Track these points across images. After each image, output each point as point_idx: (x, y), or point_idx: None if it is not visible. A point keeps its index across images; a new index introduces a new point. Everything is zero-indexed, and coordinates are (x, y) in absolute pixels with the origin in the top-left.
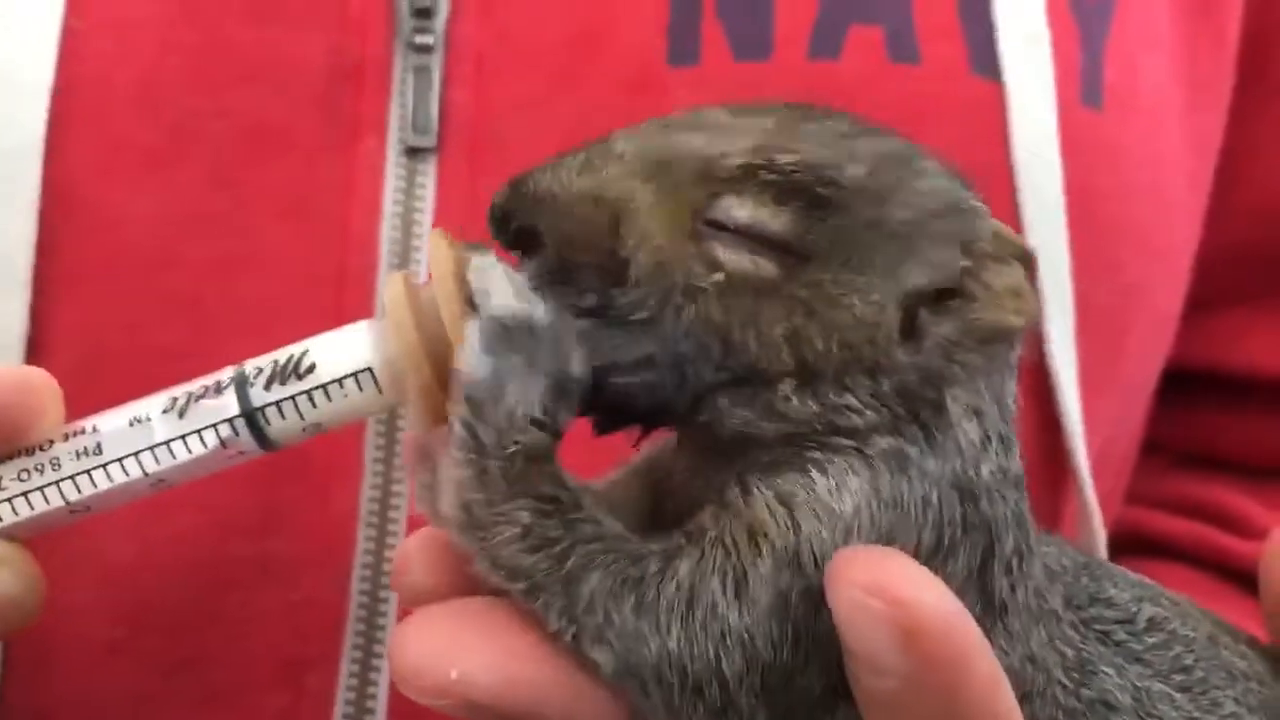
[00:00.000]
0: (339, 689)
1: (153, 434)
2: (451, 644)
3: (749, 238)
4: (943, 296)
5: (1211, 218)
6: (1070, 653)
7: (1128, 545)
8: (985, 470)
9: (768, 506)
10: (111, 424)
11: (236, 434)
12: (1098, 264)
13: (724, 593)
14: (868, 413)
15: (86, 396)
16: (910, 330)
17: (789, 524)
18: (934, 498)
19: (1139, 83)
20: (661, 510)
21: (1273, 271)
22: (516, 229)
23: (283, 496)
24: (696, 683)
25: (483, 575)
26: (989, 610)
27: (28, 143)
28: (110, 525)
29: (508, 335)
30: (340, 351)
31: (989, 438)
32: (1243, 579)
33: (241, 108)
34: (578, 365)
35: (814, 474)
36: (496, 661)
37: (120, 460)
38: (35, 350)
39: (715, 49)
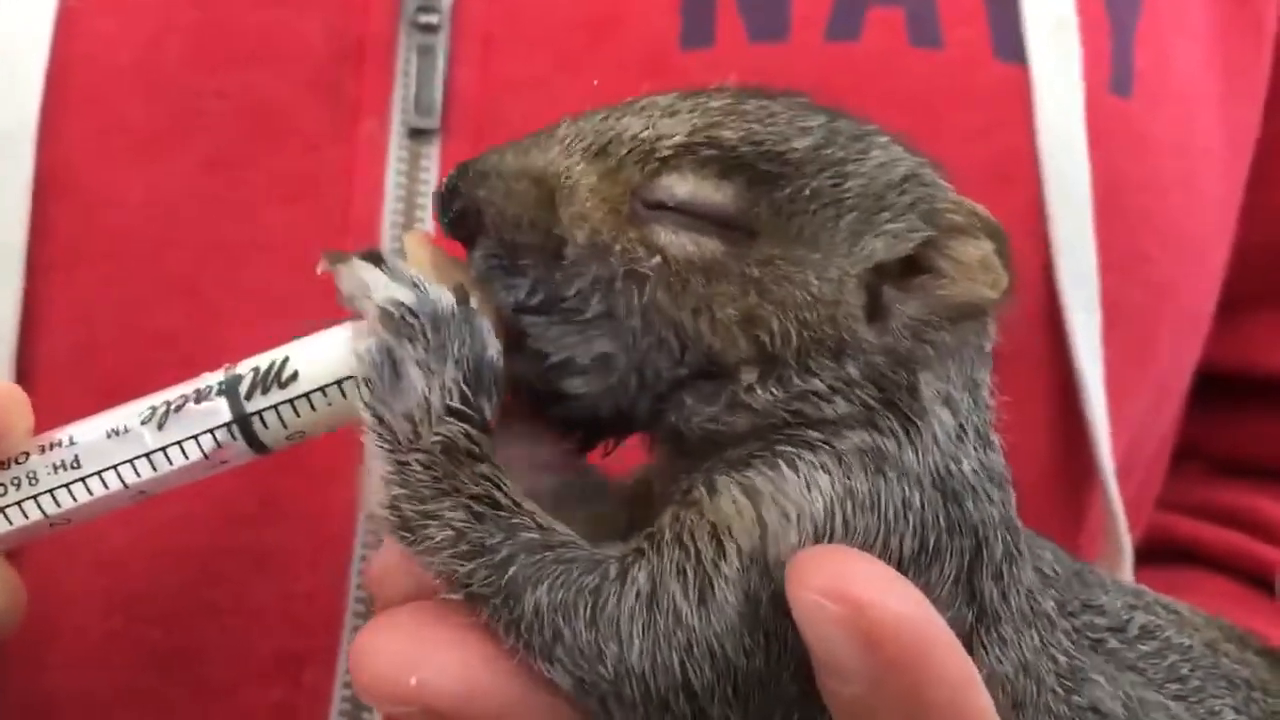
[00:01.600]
0: (336, 683)
1: (132, 445)
2: (412, 650)
3: (691, 215)
4: (908, 271)
5: (1246, 214)
6: (1063, 660)
7: (1161, 552)
8: (966, 466)
9: (734, 502)
10: (89, 436)
11: (233, 438)
12: (1127, 258)
13: (687, 597)
14: (837, 399)
15: (81, 379)
16: (875, 309)
17: (755, 521)
18: (915, 499)
19: (1170, 70)
20: (645, 519)
21: None
22: (459, 209)
23: (281, 488)
24: (662, 698)
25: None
26: (981, 618)
27: (22, 123)
28: (105, 516)
29: (402, 325)
30: (321, 359)
31: (964, 429)
32: (1270, 589)
33: (241, 89)
34: (493, 351)
35: (783, 469)
36: (457, 669)
37: (99, 473)
38: (29, 333)
39: (730, 30)
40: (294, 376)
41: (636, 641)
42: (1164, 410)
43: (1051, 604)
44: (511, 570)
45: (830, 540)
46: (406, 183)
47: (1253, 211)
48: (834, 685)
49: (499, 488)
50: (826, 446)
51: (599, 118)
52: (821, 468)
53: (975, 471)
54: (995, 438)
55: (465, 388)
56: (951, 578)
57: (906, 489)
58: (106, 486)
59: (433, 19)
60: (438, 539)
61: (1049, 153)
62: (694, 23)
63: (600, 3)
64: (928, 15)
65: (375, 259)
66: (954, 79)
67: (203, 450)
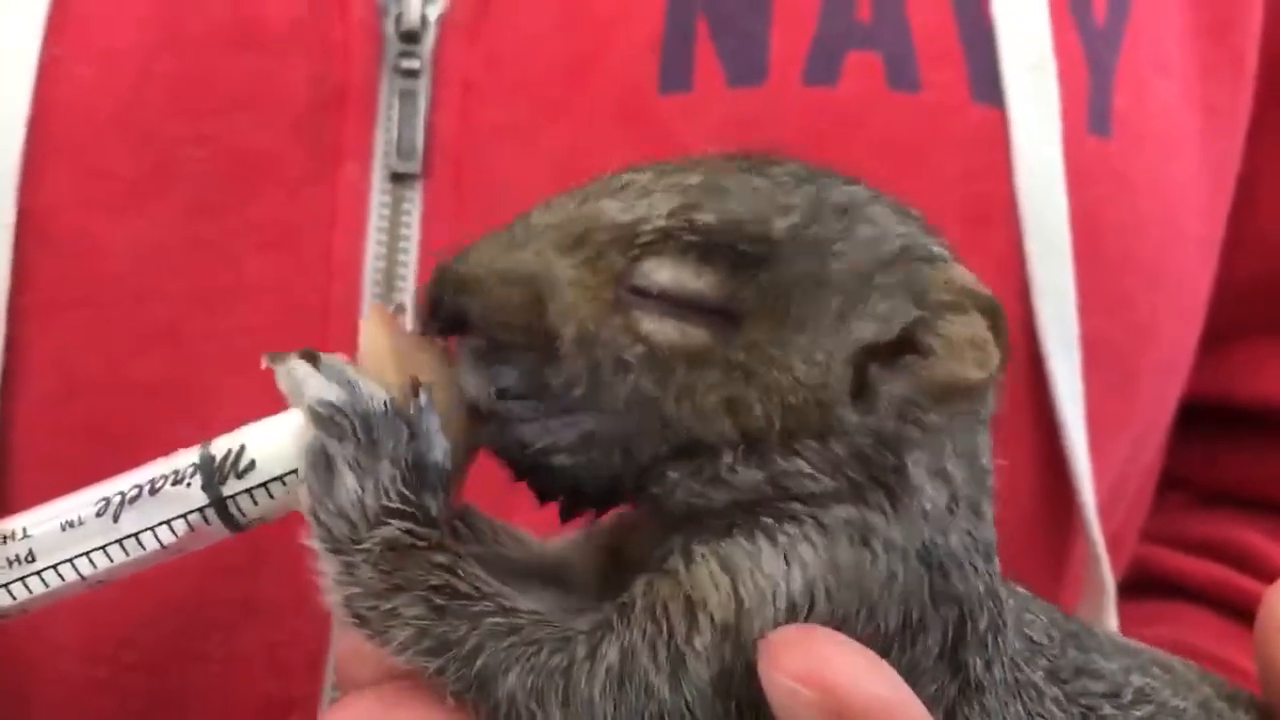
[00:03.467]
0: None
1: (97, 535)
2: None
3: (674, 303)
4: (897, 351)
5: (1228, 247)
6: None
7: (1144, 585)
8: (954, 539)
9: (710, 575)
10: (42, 528)
11: (206, 521)
12: (1106, 299)
13: (657, 670)
14: (822, 478)
15: (62, 428)
16: (861, 389)
17: (731, 596)
18: (900, 572)
19: (1150, 110)
20: (620, 580)
21: None
22: (445, 316)
23: (266, 535)
24: None
25: None
26: (964, 690)
27: (3, 171)
28: None
29: (330, 425)
30: (278, 445)
31: (956, 502)
32: None
33: (223, 136)
34: (438, 450)
35: (762, 542)
36: None
37: (55, 566)
38: (10, 381)
39: (708, 74)
40: (251, 466)
41: (610, 718)
42: (1147, 447)
43: (1040, 673)
44: (480, 661)
45: (810, 617)
46: (389, 226)
47: (1235, 243)
48: None
49: (456, 574)
50: (810, 519)
51: (575, 202)
52: (805, 539)
53: (963, 543)
54: (987, 508)
55: (403, 488)
56: (936, 652)
57: (892, 563)
58: (63, 578)
59: (414, 64)
60: (400, 638)
61: (1028, 194)
62: (672, 67)
63: (578, 47)
64: (905, 58)
65: (311, 358)
66: (932, 122)
67: (157, 541)
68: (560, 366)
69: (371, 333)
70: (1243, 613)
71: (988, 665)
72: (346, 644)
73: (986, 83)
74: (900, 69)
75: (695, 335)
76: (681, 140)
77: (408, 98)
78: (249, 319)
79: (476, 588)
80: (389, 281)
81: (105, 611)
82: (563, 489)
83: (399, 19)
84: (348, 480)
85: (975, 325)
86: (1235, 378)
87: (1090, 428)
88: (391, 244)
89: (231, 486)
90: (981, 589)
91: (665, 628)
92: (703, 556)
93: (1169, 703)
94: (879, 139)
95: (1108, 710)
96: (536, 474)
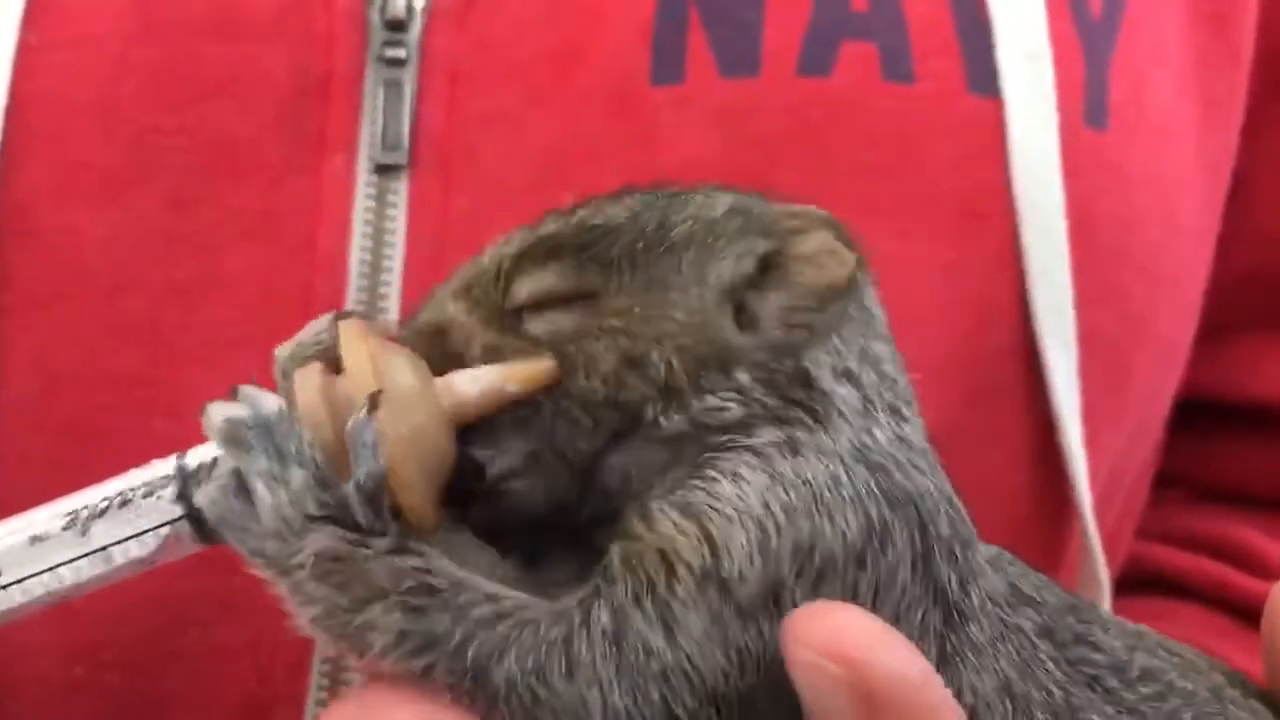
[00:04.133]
0: None
1: (67, 548)
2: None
3: (543, 305)
4: (759, 281)
5: (1225, 241)
6: (1057, 693)
7: (1141, 582)
8: (881, 436)
9: (674, 524)
10: (8, 541)
11: (177, 535)
12: (1102, 291)
13: (650, 626)
14: (735, 407)
15: (40, 423)
16: (741, 320)
17: (700, 538)
18: (841, 474)
19: (1146, 101)
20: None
21: None
22: None
23: None
24: None
25: None
26: (949, 619)
27: None
28: None
29: (236, 440)
30: None
31: (871, 402)
32: (1257, 620)
33: (204, 125)
34: (370, 462)
35: (711, 476)
36: None
37: (21, 581)
38: None
39: (701, 65)
40: None
41: (614, 682)
42: (1143, 441)
43: (1030, 624)
44: (471, 650)
45: (777, 535)
46: (374, 219)
47: (1232, 237)
48: None
49: (428, 573)
50: (741, 447)
51: (465, 265)
52: (744, 464)
53: (892, 442)
54: (911, 413)
55: (320, 493)
56: (909, 562)
57: (831, 467)
58: (29, 594)
59: (399, 53)
60: (380, 644)
61: (1023, 186)
62: (664, 57)
63: (569, 36)
64: (900, 49)
65: (231, 394)
66: (927, 113)
67: (145, 547)
68: None
69: (348, 338)
70: (1240, 610)
71: (963, 584)
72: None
73: (982, 73)
74: (895, 59)
75: (570, 319)
76: (672, 131)
77: (393, 87)
78: (229, 312)
79: (454, 581)
80: (374, 274)
81: (83, 610)
82: (522, 514)
83: (384, 6)
84: (264, 497)
85: (824, 237)
86: (1232, 373)
87: (1085, 421)
88: (376, 236)
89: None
90: (932, 488)
91: (645, 580)
92: (660, 510)
93: (1177, 684)
94: (873, 130)
95: (1113, 683)
96: (499, 500)
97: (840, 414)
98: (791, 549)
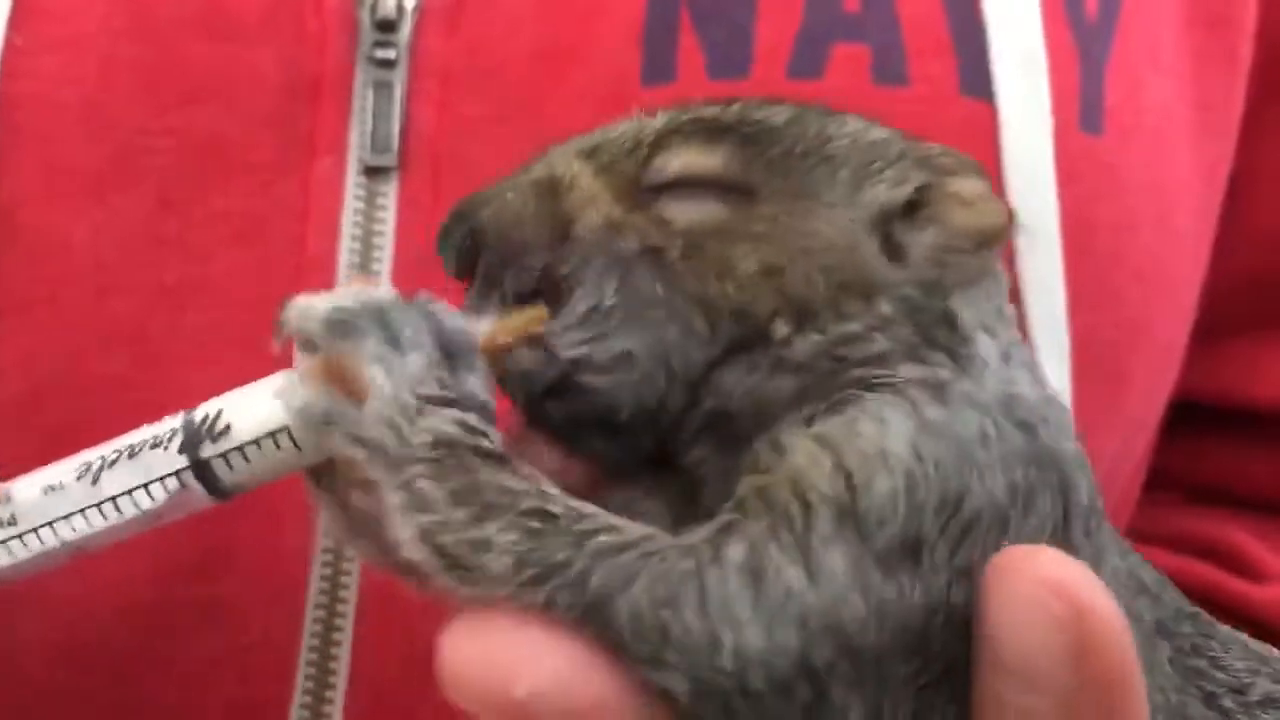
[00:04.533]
0: None
1: (75, 498)
2: (512, 654)
3: (690, 185)
4: (911, 211)
5: (1220, 243)
6: (1174, 699)
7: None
8: (1027, 390)
9: (809, 455)
10: (24, 492)
11: (182, 485)
12: (1096, 296)
13: (792, 565)
14: (877, 337)
15: (26, 427)
16: (891, 250)
17: (836, 470)
18: (990, 430)
19: (1142, 105)
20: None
21: None
22: (462, 235)
23: (231, 534)
24: (785, 682)
25: None
26: None
27: None
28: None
29: (342, 328)
30: (255, 408)
31: (1010, 357)
32: (1247, 623)
33: (192, 127)
34: (462, 331)
35: (850, 412)
36: (563, 676)
37: (36, 530)
38: None
39: (691, 65)
40: (227, 429)
41: (751, 622)
42: (1136, 445)
43: (1148, 615)
44: (594, 581)
45: (924, 484)
46: (363, 221)
47: (1228, 239)
48: (1010, 691)
49: (545, 495)
50: (884, 385)
51: (582, 137)
52: (888, 404)
53: (1038, 398)
54: (1038, 369)
55: (440, 371)
56: (1049, 531)
57: (980, 420)
58: (42, 542)
59: (390, 54)
60: (496, 569)
61: (1017, 191)
62: (655, 57)
63: (560, 37)
64: (894, 50)
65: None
66: (920, 116)
67: (153, 498)
68: (581, 261)
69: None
70: (1230, 614)
71: (1096, 559)
72: None
73: (976, 77)
74: (888, 62)
75: (715, 211)
76: None
77: (383, 89)
78: (218, 314)
79: (571, 508)
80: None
81: (69, 613)
82: (596, 421)
83: (374, 7)
84: (382, 381)
85: (981, 184)
86: (1227, 375)
87: (1079, 426)
88: (366, 239)
89: (208, 450)
90: (1074, 452)
91: (784, 516)
92: (793, 442)
93: None
94: None
95: (1229, 704)
96: (564, 400)
97: (985, 362)
98: (937, 503)
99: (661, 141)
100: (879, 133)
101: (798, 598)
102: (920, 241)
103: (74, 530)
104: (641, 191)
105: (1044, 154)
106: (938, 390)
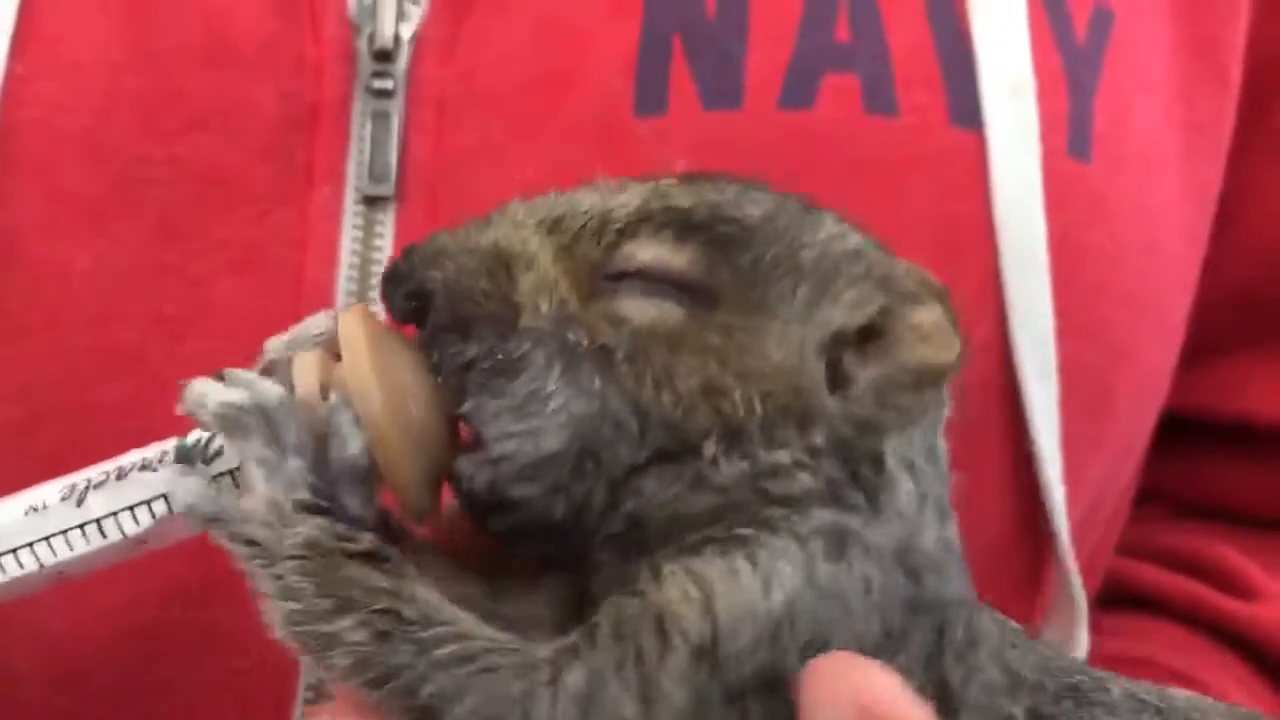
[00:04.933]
0: None
1: (53, 522)
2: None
3: (653, 280)
4: (864, 338)
5: (1210, 261)
6: None
7: (1117, 599)
8: (929, 539)
9: (684, 592)
10: (6, 514)
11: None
12: (1084, 323)
13: (628, 697)
14: (802, 474)
15: (24, 454)
16: (836, 377)
17: (705, 613)
18: (875, 577)
19: (1131, 132)
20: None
21: (1269, 319)
22: (408, 291)
23: (227, 564)
24: None
25: None
26: (942, 709)
27: None
28: (46, 593)
29: (235, 425)
30: None
31: (925, 499)
32: (1235, 641)
33: (192, 156)
34: (354, 448)
35: (739, 560)
36: None
37: (15, 551)
38: None
39: (683, 97)
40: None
41: None
42: (1123, 469)
43: (1021, 712)
44: (428, 690)
45: (790, 637)
46: (361, 249)
47: (1217, 258)
48: None
49: (401, 597)
50: (787, 530)
51: (550, 198)
52: (783, 555)
53: (936, 544)
54: (951, 512)
55: (315, 479)
56: (921, 661)
57: (868, 569)
58: (21, 566)
59: (387, 84)
60: (342, 665)
61: (1005, 219)
62: (647, 88)
63: (554, 67)
64: (883, 81)
65: (217, 376)
66: (909, 146)
67: (137, 522)
68: (526, 349)
69: (348, 326)
70: (1216, 630)
71: (965, 680)
72: None
73: (965, 106)
74: (878, 92)
75: (673, 314)
76: (656, 163)
77: (380, 118)
78: (217, 343)
79: (425, 613)
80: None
81: (69, 639)
82: (528, 524)
83: (372, 36)
84: (259, 483)
85: (939, 313)
86: (1215, 391)
87: (1066, 452)
88: (364, 268)
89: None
90: (957, 595)
91: (634, 649)
92: (672, 573)
93: None
94: (855, 163)
95: None
96: (500, 510)
97: (898, 511)
98: (801, 647)
99: (630, 229)
100: (851, 241)
101: None
102: (865, 376)
103: (54, 553)
104: (601, 278)
105: (1033, 181)
106: (839, 541)
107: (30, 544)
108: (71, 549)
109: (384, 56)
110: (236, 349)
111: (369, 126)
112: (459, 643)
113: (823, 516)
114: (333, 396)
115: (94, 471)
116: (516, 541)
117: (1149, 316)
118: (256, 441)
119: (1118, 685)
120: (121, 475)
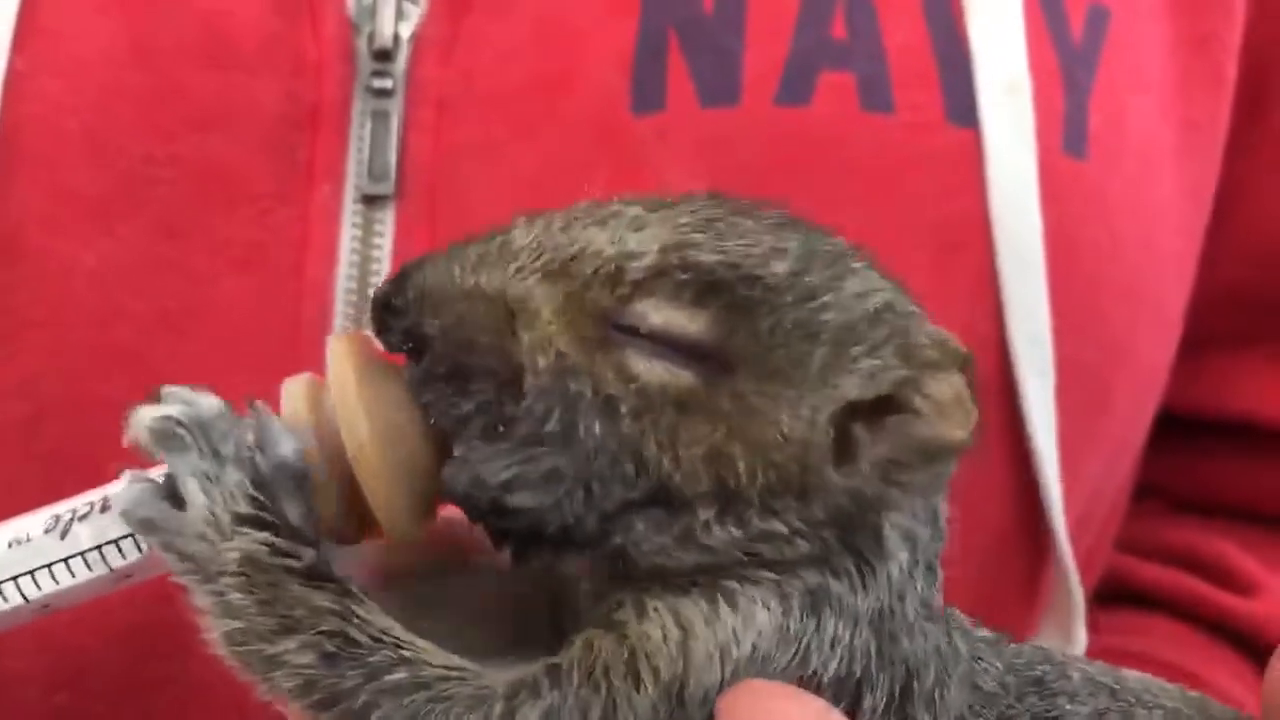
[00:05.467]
0: None
1: (38, 555)
2: None
3: (665, 344)
4: (880, 409)
5: (1206, 258)
6: None
7: (1116, 595)
8: (909, 606)
9: (663, 631)
10: None
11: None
12: (1081, 320)
13: None
14: (797, 541)
15: (27, 451)
16: (844, 447)
17: (680, 653)
18: (845, 636)
19: (1127, 129)
20: (557, 623)
21: (1266, 316)
22: (403, 331)
23: None
24: None
25: None
26: None
27: None
28: None
29: (171, 438)
30: None
31: (916, 564)
32: (1233, 636)
33: (192, 154)
34: (286, 449)
35: (722, 607)
36: None
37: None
38: None
39: (681, 94)
40: None
41: None
42: (1121, 466)
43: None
44: (376, 716)
45: (749, 672)
46: (361, 248)
47: (1213, 254)
48: None
49: (350, 619)
50: (773, 586)
51: (558, 227)
52: (764, 607)
53: (917, 610)
54: (937, 564)
55: (254, 492)
56: (883, 705)
57: (838, 628)
58: (5, 600)
59: (387, 83)
60: (287, 686)
61: (1001, 216)
62: (645, 86)
63: (552, 66)
64: (879, 78)
65: (154, 397)
66: (905, 144)
67: (124, 555)
68: (525, 400)
69: (336, 355)
70: (1214, 625)
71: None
72: None
73: (961, 104)
74: (874, 90)
75: (684, 379)
76: (655, 161)
77: (380, 117)
78: (218, 340)
79: (374, 636)
80: (360, 304)
81: (66, 637)
82: (520, 531)
83: (372, 36)
84: (196, 496)
85: (959, 384)
86: (1211, 388)
87: (1063, 449)
88: (363, 266)
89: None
90: (931, 649)
91: (604, 690)
92: (655, 611)
93: None
94: (852, 161)
95: None
96: (494, 513)
97: (887, 578)
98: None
99: (647, 286)
100: (875, 301)
101: None
102: (874, 449)
103: (38, 587)
104: (610, 327)
105: (1029, 179)
106: (814, 601)
107: (14, 578)
108: (57, 582)
109: (383, 56)
110: (238, 346)
111: (369, 126)
112: (408, 669)
113: (811, 579)
114: (257, 403)
115: (80, 501)
116: (514, 545)
117: (1146, 313)
118: (193, 454)
119: (1076, 670)
120: (106, 507)
